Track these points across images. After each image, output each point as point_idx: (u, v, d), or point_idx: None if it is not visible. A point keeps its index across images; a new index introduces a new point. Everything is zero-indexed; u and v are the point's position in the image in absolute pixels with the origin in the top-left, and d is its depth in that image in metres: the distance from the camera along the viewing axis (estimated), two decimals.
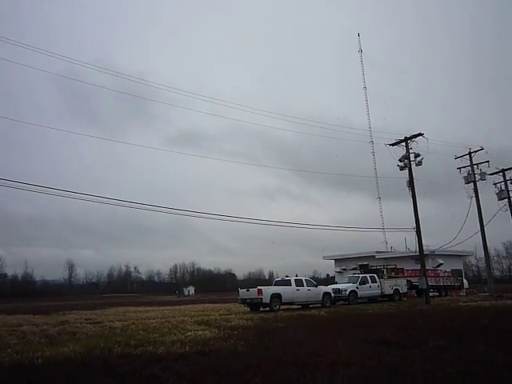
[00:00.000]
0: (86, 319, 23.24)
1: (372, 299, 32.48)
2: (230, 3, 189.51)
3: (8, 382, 7.47)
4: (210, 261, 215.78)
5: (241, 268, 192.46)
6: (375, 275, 33.50)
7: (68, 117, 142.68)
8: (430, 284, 32.76)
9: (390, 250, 52.18)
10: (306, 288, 27.67)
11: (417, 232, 30.56)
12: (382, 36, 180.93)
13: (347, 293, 30.56)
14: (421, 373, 7.46)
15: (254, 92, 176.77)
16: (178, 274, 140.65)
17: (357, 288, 31.31)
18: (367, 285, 32.14)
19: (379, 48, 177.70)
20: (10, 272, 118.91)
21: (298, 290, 27.12)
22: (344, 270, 51.74)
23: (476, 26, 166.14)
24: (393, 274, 36.37)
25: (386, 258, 46.38)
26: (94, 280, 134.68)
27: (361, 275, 33.57)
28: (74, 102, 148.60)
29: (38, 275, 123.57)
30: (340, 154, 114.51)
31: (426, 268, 32.55)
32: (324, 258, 59.44)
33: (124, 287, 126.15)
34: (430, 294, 32.32)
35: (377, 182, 60.23)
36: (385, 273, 35.32)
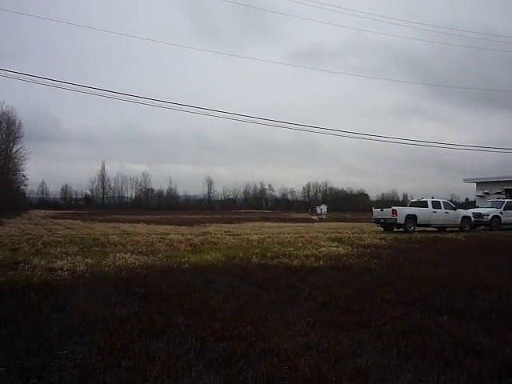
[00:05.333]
0: (225, 231, 24.78)
1: None
2: None
3: (160, 282, 8.37)
4: (343, 181, 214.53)
5: (373, 189, 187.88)
6: None
7: (192, 34, 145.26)
8: None
9: None
10: (443, 210, 26.54)
11: None
12: None
13: (489, 218, 28.68)
14: None
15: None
16: (311, 193, 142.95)
17: (501, 213, 29.17)
18: None
19: None
20: (156, 187, 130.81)
21: (434, 212, 26.14)
22: (487, 194, 48.31)
23: None
24: None
25: None
26: (231, 196, 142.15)
27: (506, 200, 31.17)
28: (197, 20, 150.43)
29: (181, 190, 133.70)
30: (481, 67, 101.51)
31: None
32: (464, 180, 56.04)
33: (259, 204, 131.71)
34: None
35: None
36: None
